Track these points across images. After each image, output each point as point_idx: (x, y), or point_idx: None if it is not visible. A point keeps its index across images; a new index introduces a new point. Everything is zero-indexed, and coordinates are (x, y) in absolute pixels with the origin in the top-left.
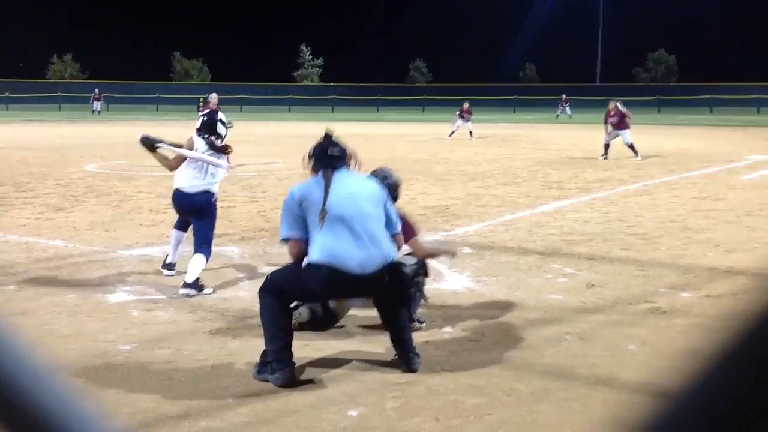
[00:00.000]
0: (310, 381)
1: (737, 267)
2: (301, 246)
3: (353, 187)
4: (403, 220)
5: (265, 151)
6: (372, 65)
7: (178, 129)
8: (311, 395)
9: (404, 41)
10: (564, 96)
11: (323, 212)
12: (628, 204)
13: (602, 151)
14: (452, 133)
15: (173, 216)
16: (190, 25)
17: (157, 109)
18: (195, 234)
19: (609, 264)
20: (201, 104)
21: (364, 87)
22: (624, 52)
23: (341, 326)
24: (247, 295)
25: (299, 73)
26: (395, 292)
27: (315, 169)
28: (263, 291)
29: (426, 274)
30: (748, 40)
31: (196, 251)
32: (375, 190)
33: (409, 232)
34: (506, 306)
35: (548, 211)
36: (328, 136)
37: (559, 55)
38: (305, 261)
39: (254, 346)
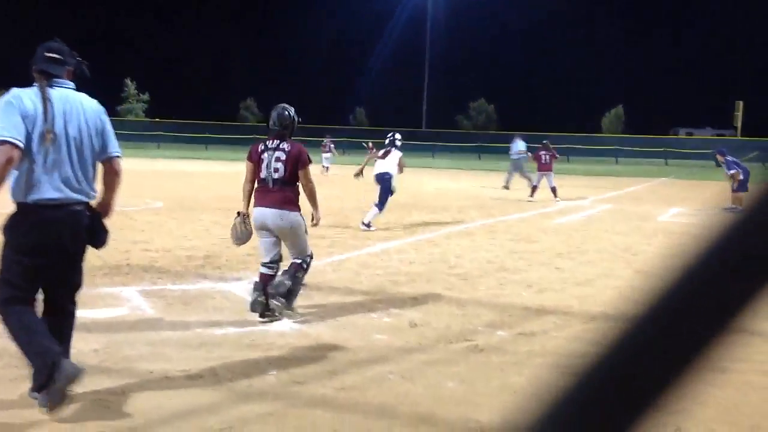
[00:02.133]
0: None
1: (547, 306)
2: (17, 155)
3: (72, 108)
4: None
5: None
6: (200, 102)
7: None
8: None
9: (235, 80)
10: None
11: (49, 132)
12: (450, 245)
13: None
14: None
15: None
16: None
17: None
18: None
19: (431, 303)
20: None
21: (192, 124)
22: (448, 100)
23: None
24: None
25: (123, 107)
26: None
27: (35, 77)
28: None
29: (306, 268)
30: (560, 94)
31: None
32: (94, 111)
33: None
34: (332, 347)
35: (375, 252)
36: (51, 41)
37: (388, 102)
38: (19, 198)
39: None
